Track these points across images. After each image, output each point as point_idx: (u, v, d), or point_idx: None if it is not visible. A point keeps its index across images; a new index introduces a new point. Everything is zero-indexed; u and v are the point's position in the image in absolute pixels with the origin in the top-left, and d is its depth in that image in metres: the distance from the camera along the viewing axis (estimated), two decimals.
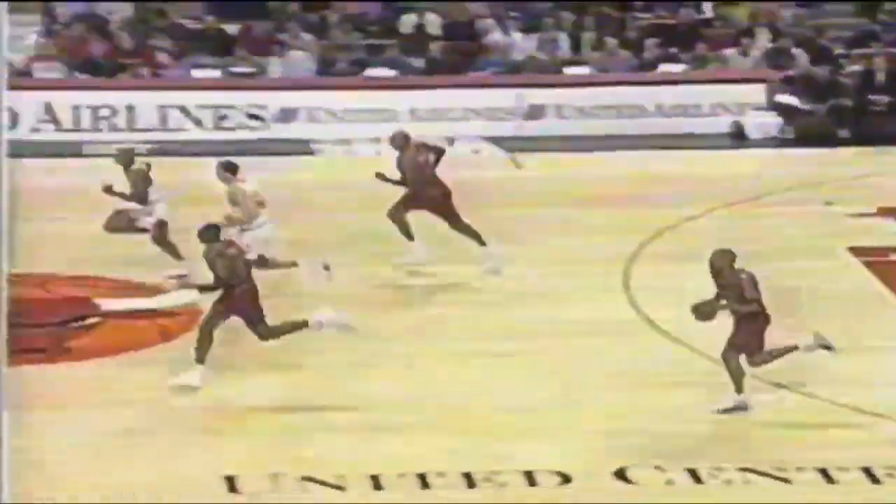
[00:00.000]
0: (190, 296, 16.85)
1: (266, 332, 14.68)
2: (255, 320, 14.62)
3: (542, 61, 26.25)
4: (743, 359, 14.27)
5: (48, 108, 23.73)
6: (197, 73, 25.02)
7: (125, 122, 23.97)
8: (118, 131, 23.78)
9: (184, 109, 24.17)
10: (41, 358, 15.70)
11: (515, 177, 22.73)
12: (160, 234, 17.47)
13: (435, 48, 26.18)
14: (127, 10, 26.00)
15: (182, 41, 25.68)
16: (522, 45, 26.57)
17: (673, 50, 26.52)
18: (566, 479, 13.06)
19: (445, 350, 15.99)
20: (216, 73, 25.04)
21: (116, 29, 25.64)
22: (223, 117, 24.27)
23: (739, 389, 14.28)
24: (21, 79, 23.90)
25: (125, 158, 17.78)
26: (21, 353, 15.56)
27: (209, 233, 14.90)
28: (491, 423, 14.14)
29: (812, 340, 14.32)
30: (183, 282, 16.12)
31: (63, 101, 23.79)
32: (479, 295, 17.69)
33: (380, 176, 17.95)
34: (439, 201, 17.80)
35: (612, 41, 26.55)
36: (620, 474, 13.09)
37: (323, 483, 13.09)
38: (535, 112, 25.16)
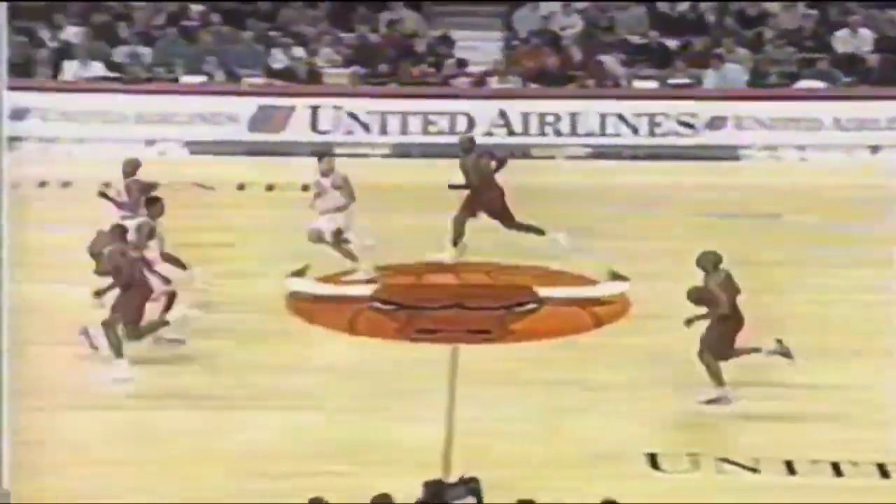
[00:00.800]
0: (620, 287, 16.84)
1: (131, 333, 14.59)
2: (131, 321, 14.52)
3: None
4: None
5: (502, 114, 24.18)
6: (637, 84, 25.04)
7: (568, 127, 24.20)
8: (561, 136, 24.07)
9: (621, 117, 24.26)
10: (488, 338, 15.93)
11: None
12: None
13: (871, 61, 25.39)
14: (578, 25, 26.22)
15: (627, 55, 25.73)
16: None
17: None
18: None
19: (848, 348, 15.41)
20: (654, 84, 25.00)
21: (568, 43, 25.88)
22: (657, 124, 24.25)
23: (720, 383, 13.75)
24: (478, 88, 24.52)
25: (129, 167, 16.93)
26: (470, 333, 16.02)
27: (115, 231, 14.91)
28: None
29: (773, 346, 13.83)
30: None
31: (515, 108, 24.20)
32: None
33: (452, 186, 17.80)
34: (496, 203, 17.52)
35: None
36: None
37: (738, 465, 12.85)
38: None
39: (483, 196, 17.73)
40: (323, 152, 17.72)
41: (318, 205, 17.03)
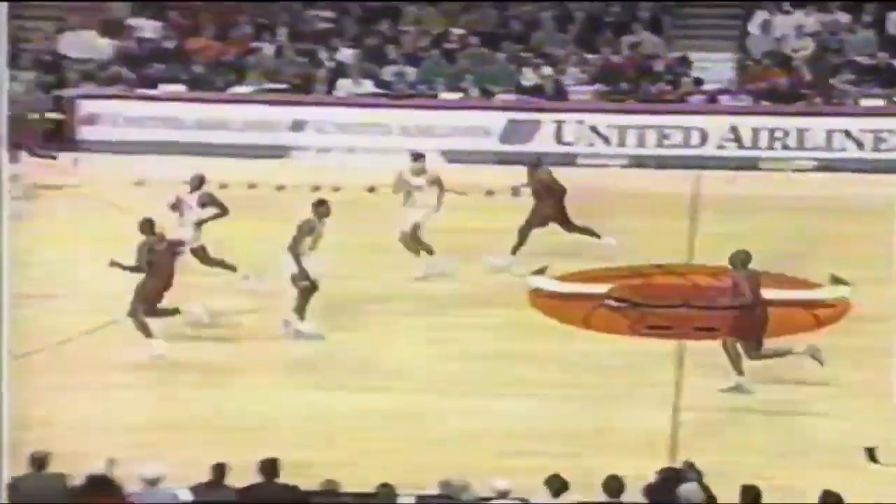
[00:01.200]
0: (841, 290, 16.48)
1: (149, 312, 14.87)
2: (146, 301, 14.78)
3: None
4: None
5: (733, 129, 23.90)
6: (864, 102, 24.45)
7: (795, 142, 23.82)
8: (789, 149, 23.71)
9: (848, 133, 23.74)
10: (714, 335, 15.75)
11: None
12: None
13: None
14: (810, 47, 25.72)
15: (856, 75, 25.15)
16: None
17: None
18: None
19: None
20: (881, 102, 24.39)
21: (799, 64, 25.41)
22: (882, 140, 23.69)
23: (739, 372, 13.95)
24: (711, 105, 24.28)
25: (196, 182, 16.57)
26: (697, 330, 15.90)
27: (145, 226, 14.93)
28: None
29: (805, 349, 14.11)
30: None
31: (746, 123, 23.88)
32: None
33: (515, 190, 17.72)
34: (558, 211, 17.30)
35: None
36: None
37: None
38: None
39: (546, 205, 17.46)
40: (417, 155, 17.63)
41: (412, 202, 17.08)
